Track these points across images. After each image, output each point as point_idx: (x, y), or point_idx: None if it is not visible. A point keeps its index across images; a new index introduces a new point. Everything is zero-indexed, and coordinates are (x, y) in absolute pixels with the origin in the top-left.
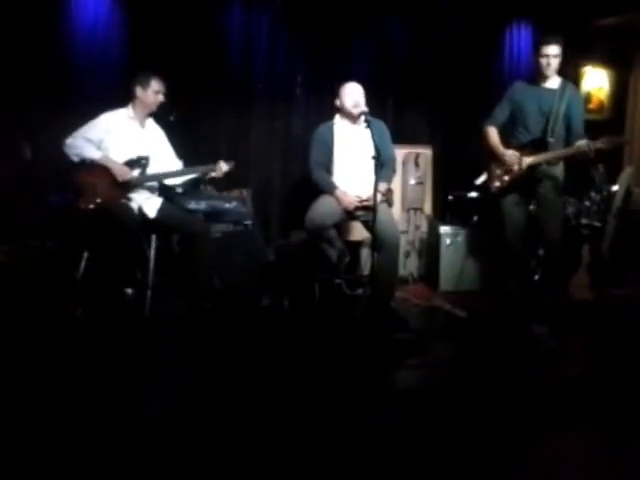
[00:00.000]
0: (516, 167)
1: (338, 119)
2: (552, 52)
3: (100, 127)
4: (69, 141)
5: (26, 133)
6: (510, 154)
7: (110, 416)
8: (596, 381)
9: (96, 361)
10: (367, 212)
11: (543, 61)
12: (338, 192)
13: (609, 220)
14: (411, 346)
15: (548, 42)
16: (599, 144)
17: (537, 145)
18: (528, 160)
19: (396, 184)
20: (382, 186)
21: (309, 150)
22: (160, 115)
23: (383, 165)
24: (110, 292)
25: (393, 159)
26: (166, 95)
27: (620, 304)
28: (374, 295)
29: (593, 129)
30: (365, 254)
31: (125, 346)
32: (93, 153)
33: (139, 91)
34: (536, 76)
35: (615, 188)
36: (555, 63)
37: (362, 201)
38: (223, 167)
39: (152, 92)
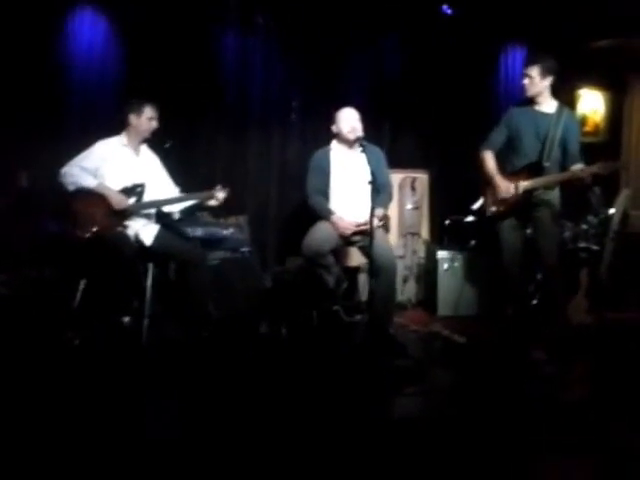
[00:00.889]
0: (512, 192)
1: (335, 144)
2: (527, 72)
3: (95, 156)
4: (65, 170)
5: (23, 161)
6: (505, 186)
7: (108, 443)
8: (596, 406)
9: (94, 389)
10: (364, 238)
11: (524, 80)
12: (334, 218)
13: (607, 243)
14: (410, 372)
15: (525, 62)
16: (595, 169)
17: (533, 170)
18: (524, 184)
19: (393, 209)
20: (378, 211)
21: (306, 175)
22: (156, 142)
23: (379, 191)
24: (107, 320)
25: (389, 185)
26: (161, 121)
27: (619, 327)
28: (372, 321)
29: (589, 152)
30: (362, 280)
31: (123, 374)
32: (89, 181)
33: (133, 118)
34: (530, 100)
35: (612, 211)
36: (526, 83)
37: (358, 226)
38: (219, 195)
39: (146, 119)
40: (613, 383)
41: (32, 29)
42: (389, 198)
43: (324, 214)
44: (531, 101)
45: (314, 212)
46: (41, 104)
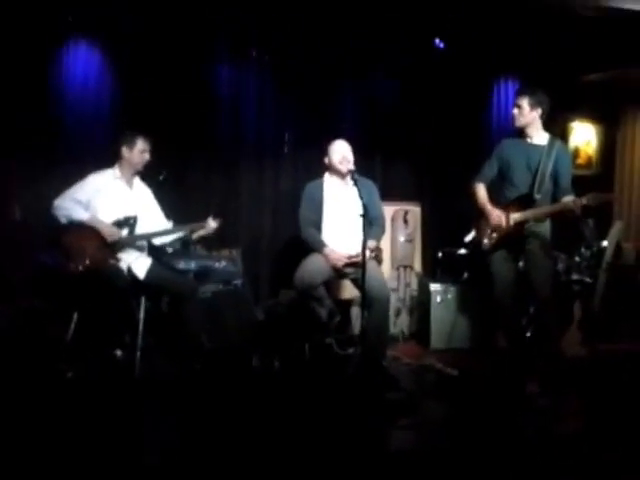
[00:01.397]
0: (503, 224)
1: (327, 176)
2: (516, 101)
3: (88, 188)
4: (57, 202)
5: (15, 194)
6: (496, 215)
7: (101, 477)
8: (591, 439)
9: (86, 422)
10: (356, 270)
11: (513, 110)
12: (326, 250)
13: (600, 275)
14: (402, 405)
15: (516, 93)
16: (586, 201)
17: (524, 202)
18: (515, 217)
19: (385, 241)
20: (371, 243)
21: (299, 207)
22: (150, 174)
23: (372, 223)
24: (100, 353)
25: (382, 217)
26: (155, 154)
27: (612, 360)
28: (365, 354)
29: (581, 184)
30: (355, 313)
31: (115, 407)
32: (81, 214)
33: (125, 151)
34: (521, 133)
35: (605, 243)
36: (515, 113)
37: (350, 258)
38: (212, 224)
39: (138, 151)
40: (607, 416)
41: (27, 61)
42: (382, 230)
43: (316, 246)
44: (522, 133)
45: (307, 244)
46: (35, 137)
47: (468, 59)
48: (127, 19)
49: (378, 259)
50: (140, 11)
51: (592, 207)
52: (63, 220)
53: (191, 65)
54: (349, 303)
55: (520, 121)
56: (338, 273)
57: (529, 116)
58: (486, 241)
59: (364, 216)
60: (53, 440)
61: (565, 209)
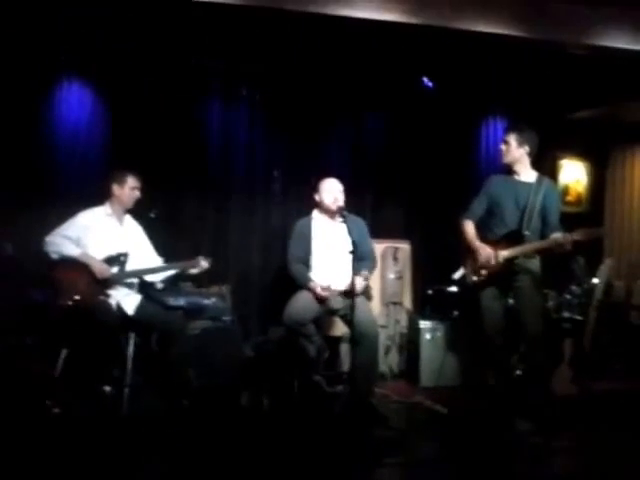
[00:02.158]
0: (492, 261)
1: (316, 214)
2: (506, 139)
3: (78, 225)
4: (48, 239)
5: (7, 231)
6: (485, 252)
7: None
8: (582, 478)
9: (73, 459)
10: (345, 307)
11: (501, 147)
12: (312, 284)
13: (590, 313)
14: (391, 444)
15: (505, 131)
16: (576, 236)
17: (513, 238)
18: (504, 253)
19: (375, 278)
20: (364, 272)
21: (288, 244)
22: (141, 211)
23: (363, 259)
24: (88, 389)
25: (373, 252)
26: (146, 192)
27: (604, 398)
28: (353, 392)
29: (571, 221)
30: (344, 350)
31: (103, 444)
32: (72, 250)
33: (116, 188)
34: (510, 170)
35: (595, 281)
36: (504, 149)
37: (332, 291)
38: (202, 264)
39: (128, 189)
40: (598, 454)
41: (19, 100)
42: (374, 264)
43: (302, 281)
44: (510, 170)
45: (294, 280)
46: (26, 174)
47: (457, 98)
48: (119, 59)
49: (368, 295)
50: (132, 51)
51: (582, 242)
52: (54, 256)
53: (182, 104)
54: (338, 340)
55: (507, 157)
56: (327, 309)
57: (516, 153)
58: (475, 278)
59: (354, 253)
60: (39, 476)
61: (555, 245)
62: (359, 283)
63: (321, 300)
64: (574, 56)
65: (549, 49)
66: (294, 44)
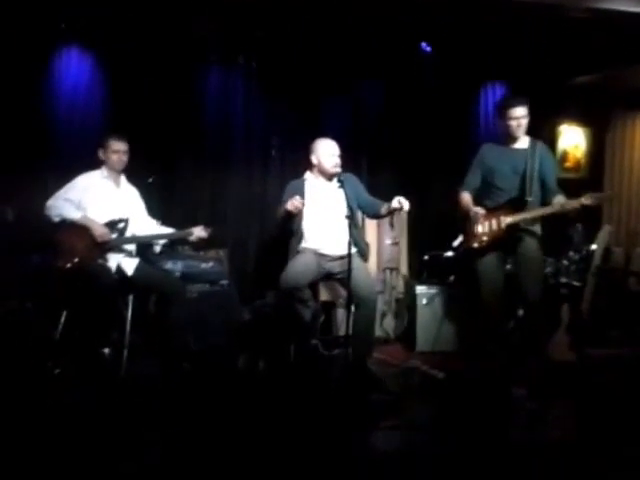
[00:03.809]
0: (494, 227)
1: (309, 175)
2: (521, 114)
3: (78, 187)
4: (49, 203)
5: (8, 196)
6: (485, 218)
7: (83, 476)
8: (577, 444)
9: (72, 419)
10: (343, 270)
11: (513, 123)
12: (287, 204)
13: (588, 279)
14: (387, 407)
15: (515, 105)
16: (585, 200)
17: (515, 204)
18: (507, 220)
19: (372, 244)
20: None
21: (279, 203)
22: (139, 177)
23: (371, 209)
24: (88, 351)
25: (376, 203)
26: (144, 157)
27: (601, 364)
28: (350, 355)
29: (570, 187)
30: (341, 314)
31: (101, 405)
32: (74, 213)
33: (101, 153)
34: (505, 138)
35: (594, 247)
36: (525, 123)
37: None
38: (200, 233)
39: (112, 153)
40: (594, 420)
41: (19, 67)
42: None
43: (281, 216)
44: (508, 138)
45: (277, 226)
46: (26, 140)
47: (455, 63)
48: (118, 26)
49: (365, 256)
50: (130, 18)
51: (591, 207)
52: (56, 219)
53: (180, 71)
54: (336, 304)
55: (525, 130)
56: (325, 272)
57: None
58: (476, 245)
59: (350, 217)
60: (39, 436)
61: (562, 211)
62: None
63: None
64: (574, 19)
65: (549, 12)
66: (291, 11)
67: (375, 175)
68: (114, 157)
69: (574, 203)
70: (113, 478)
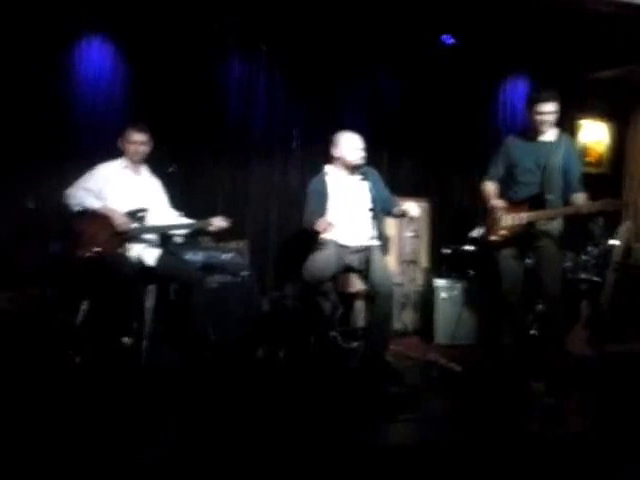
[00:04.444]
0: (514, 222)
1: (330, 169)
2: (549, 109)
3: (98, 177)
4: (69, 192)
5: (30, 184)
6: (498, 206)
7: (104, 465)
8: (595, 439)
9: (92, 408)
10: (362, 263)
11: (539, 118)
12: (318, 222)
13: (608, 275)
14: (404, 400)
15: (545, 99)
16: (599, 206)
17: (535, 201)
18: (526, 217)
19: (392, 236)
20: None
21: (304, 203)
22: (160, 166)
23: (390, 206)
24: (108, 340)
25: (392, 200)
26: (165, 147)
27: (619, 360)
28: (368, 348)
29: (591, 182)
30: (360, 306)
31: (121, 394)
32: (94, 202)
33: (121, 143)
34: (530, 131)
35: (614, 243)
36: (551, 119)
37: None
38: (220, 223)
39: (129, 143)
40: (611, 415)
41: (42, 56)
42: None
43: (314, 222)
44: (535, 131)
45: (311, 232)
46: (48, 128)
47: (477, 56)
48: (140, 15)
49: (385, 248)
50: (153, 6)
51: (604, 212)
52: (76, 208)
53: (202, 60)
54: (354, 297)
55: (552, 125)
56: (345, 265)
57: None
58: (494, 238)
59: (373, 210)
60: (59, 424)
61: (578, 212)
62: (413, 208)
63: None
64: (597, 13)
65: (572, 6)
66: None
67: (396, 167)
68: (130, 148)
69: (591, 208)
70: (132, 467)
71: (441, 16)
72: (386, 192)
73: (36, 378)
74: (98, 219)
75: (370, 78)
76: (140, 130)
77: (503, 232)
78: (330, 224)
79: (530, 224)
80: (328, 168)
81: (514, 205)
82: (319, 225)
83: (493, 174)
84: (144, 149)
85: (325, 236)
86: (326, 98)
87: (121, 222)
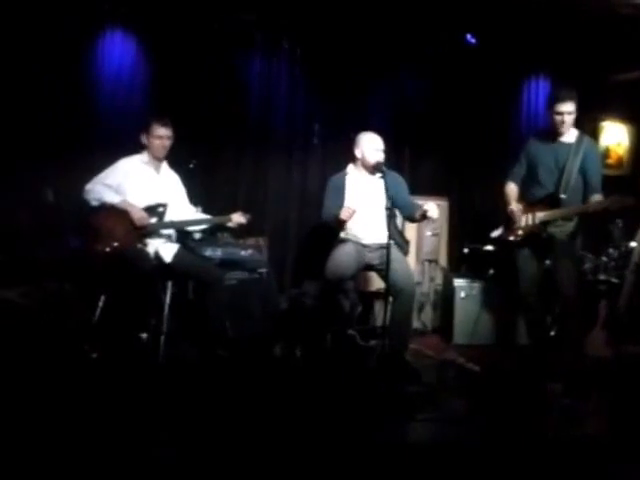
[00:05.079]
0: (529, 222)
1: (352, 169)
2: (567, 109)
3: (118, 172)
4: (88, 187)
5: (50, 177)
6: (520, 213)
7: (120, 460)
8: (612, 441)
9: (109, 403)
10: (383, 262)
11: (558, 118)
12: (341, 211)
13: (627, 276)
14: (422, 399)
15: (563, 99)
16: (607, 204)
17: (550, 201)
18: (540, 216)
19: (412, 235)
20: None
21: (323, 199)
22: (180, 162)
23: (408, 210)
24: (125, 336)
25: (414, 204)
26: (186, 142)
27: (637, 361)
28: (387, 347)
29: (612, 184)
30: (379, 305)
31: (138, 390)
32: (113, 197)
33: (144, 138)
34: (550, 132)
35: (633, 244)
36: (570, 120)
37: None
38: (239, 219)
39: (154, 138)
40: (629, 418)
41: (64, 49)
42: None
43: (334, 218)
44: (555, 132)
45: (329, 229)
46: (69, 122)
47: (500, 56)
48: (162, 10)
49: (404, 250)
50: (175, 2)
51: (612, 211)
52: (94, 203)
53: (224, 55)
54: (374, 295)
55: (571, 125)
56: (365, 263)
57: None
58: (512, 238)
59: (390, 209)
60: (75, 421)
61: (587, 211)
62: (433, 210)
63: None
64: (620, 15)
65: (595, 7)
66: None
67: (417, 165)
68: (157, 143)
69: (597, 206)
70: (148, 463)
71: (465, 16)
72: (409, 198)
73: (52, 373)
74: (117, 214)
75: (393, 77)
76: (165, 124)
77: (520, 232)
78: (354, 211)
79: (544, 224)
80: (350, 168)
81: (531, 205)
82: (343, 213)
83: (515, 175)
84: (169, 144)
85: (344, 235)
86: (348, 96)
87: (139, 217)
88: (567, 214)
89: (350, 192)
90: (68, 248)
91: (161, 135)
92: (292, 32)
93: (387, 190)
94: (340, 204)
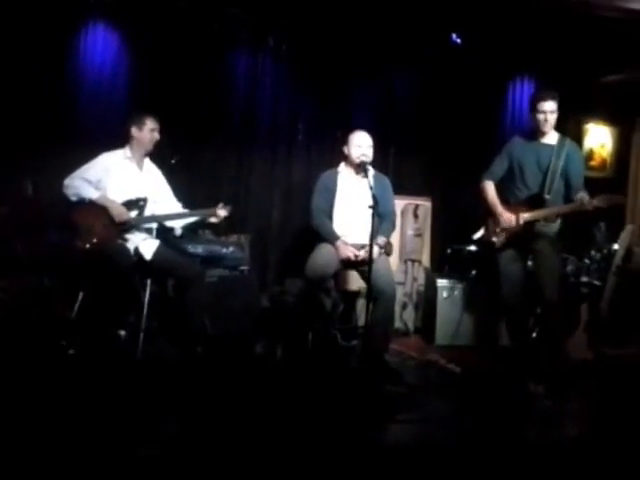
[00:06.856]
0: (513, 224)
1: (343, 167)
2: (549, 108)
3: (98, 167)
4: (67, 182)
5: (28, 170)
6: (506, 217)
7: (97, 458)
8: (594, 443)
9: (85, 400)
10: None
11: (540, 117)
12: (338, 243)
13: (609, 279)
14: (403, 400)
15: (544, 98)
16: (596, 202)
17: (534, 202)
18: (525, 216)
19: (395, 235)
20: (381, 240)
21: (312, 196)
22: (162, 158)
23: (382, 218)
24: (103, 332)
25: (393, 214)
26: (168, 138)
27: (619, 365)
28: (368, 347)
29: (595, 186)
30: (361, 304)
31: (115, 387)
32: (91, 193)
33: (135, 131)
34: (534, 132)
35: (616, 247)
36: (552, 119)
37: (357, 256)
38: (221, 212)
39: (147, 130)
40: (610, 420)
41: (45, 43)
42: (392, 227)
43: (329, 237)
44: (536, 133)
45: (317, 233)
46: (49, 115)
47: (485, 57)
48: (146, 2)
49: (387, 251)
50: None
51: (602, 209)
52: (73, 198)
53: (208, 51)
54: (356, 294)
55: (553, 125)
56: (347, 264)
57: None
58: (494, 239)
59: (373, 207)
60: (51, 417)
61: (575, 210)
62: (375, 251)
63: (346, 260)
64: (604, 18)
65: (579, 10)
66: None
67: (402, 165)
68: (148, 135)
69: (587, 204)
70: (127, 461)
71: (450, 17)
72: (390, 207)
73: (29, 369)
74: (96, 210)
75: (378, 76)
76: (155, 117)
77: (502, 233)
78: (351, 254)
79: (529, 224)
80: (342, 167)
81: (514, 206)
82: (342, 253)
83: (496, 173)
84: (158, 136)
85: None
86: (333, 94)
87: (119, 213)
88: (553, 214)
89: (340, 191)
90: (47, 243)
91: (153, 128)
92: (278, 29)
93: (371, 188)
94: (330, 203)
